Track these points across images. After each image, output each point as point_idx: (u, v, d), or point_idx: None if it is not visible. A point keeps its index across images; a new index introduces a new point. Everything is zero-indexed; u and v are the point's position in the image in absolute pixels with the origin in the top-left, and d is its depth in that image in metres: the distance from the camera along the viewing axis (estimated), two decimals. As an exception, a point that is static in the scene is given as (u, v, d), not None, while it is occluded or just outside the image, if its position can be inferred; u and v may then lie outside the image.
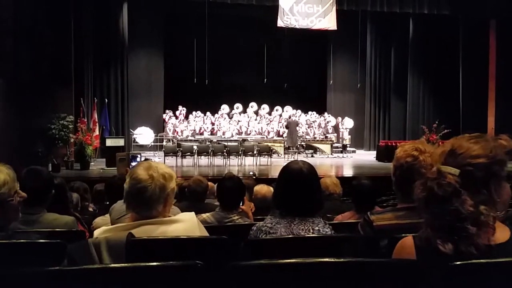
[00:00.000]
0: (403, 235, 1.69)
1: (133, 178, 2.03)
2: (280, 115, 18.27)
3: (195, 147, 13.57)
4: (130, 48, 16.32)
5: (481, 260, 1.34)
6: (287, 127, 15.89)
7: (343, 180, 4.82)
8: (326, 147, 16.22)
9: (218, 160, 13.50)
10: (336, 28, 14.91)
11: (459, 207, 1.36)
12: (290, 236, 2.14)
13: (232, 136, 16.69)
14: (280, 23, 14.52)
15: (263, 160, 13.81)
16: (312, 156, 15.94)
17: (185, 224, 2.08)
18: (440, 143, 13.60)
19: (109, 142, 13.07)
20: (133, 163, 10.72)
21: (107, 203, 4.68)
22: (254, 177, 7.62)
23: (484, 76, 16.01)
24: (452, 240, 1.37)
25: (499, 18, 15.37)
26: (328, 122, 17.81)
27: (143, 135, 16.46)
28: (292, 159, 10.29)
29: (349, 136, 17.81)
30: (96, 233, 2.02)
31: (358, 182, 3.79)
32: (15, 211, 2.04)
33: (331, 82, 19.06)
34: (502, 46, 15.45)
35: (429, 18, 15.79)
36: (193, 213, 2.20)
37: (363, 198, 3.64)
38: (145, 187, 2.00)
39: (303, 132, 16.94)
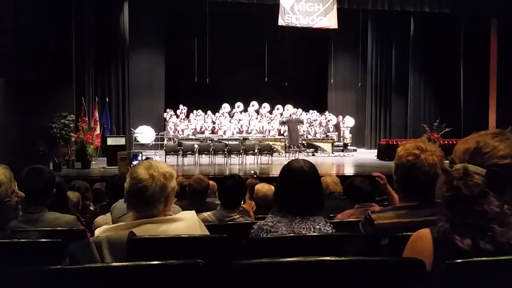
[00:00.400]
0: (404, 233, 1.69)
1: (134, 178, 2.03)
2: (281, 114, 18.25)
3: (196, 146, 13.56)
4: (131, 47, 16.30)
5: (490, 258, 1.34)
6: (283, 123, 15.89)
7: (344, 179, 4.82)
8: (327, 146, 16.20)
9: (219, 159, 13.50)
10: (337, 27, 14.89)
11: (487, 208, 1.35)
12: (291, 234, 2.14)
13: (233, 134, 16.69)
14: (281, 22, 14.51)
15: (264, 159, 13.81)
16: (313, 155, 15.93)
17: (186, 222, 2.08)
18: (441, 141, 13.62)
19: (110, 141, 13.06)
20: (134, 162, 10.74)
21: (106, 202, 4.69)
22: (255, 176, 7.62)
23: (485, 75, 15.99)
24: (472, 236, 1.36)
25: (500, 17, 15.34)
26: (329, 120, 17.79)
27: (144, 134, 16.46)
28: (293, 158, 10.30)
29: (350, 135, 17.80)
30: (97, 232, 2.02)
31: (351, 181, 3.83)
32: (14, 210, 2.04)
33: (332, 80, 19.04)
34: (503, 44, 15.42)
35: (430, 17, 15.77)
36: (193, 211, 2.20)
37: (358, 197, 3.67)
38: (145, 186, 2.00)
39: (303, 131, 16.94)
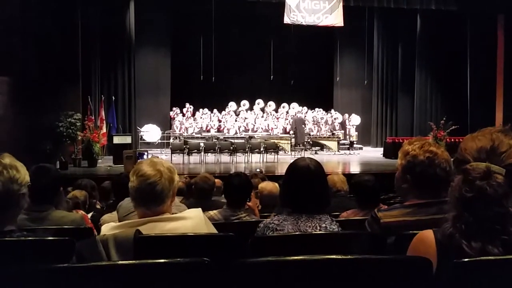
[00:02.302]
0: (410, 232, 1.69)
1: (141, 176, 2.04)
2: (287, 112, 18.24)
3: (201, 144, 13.57)
4: (137, 46, 16.34)
5: (498, 257, 1.32)
6: (295, 132, 15.77)
7: (350, 177, 4.81)
8: (333, 144, 16.17)
9: (225, 157, 13.51)
10: (342, 25, 14.86)
11: (510, 209, 1.32)
12: (297, 233, 2.14)
13: (236, 133, 16.69)
14: (286, 20, 14.49)
15: (270, 157, 13.80)
16: (316, 153, 15.87)
17: (192, 221, 2.09)
18: (448, 140, 13.55)
19: (116, 140, 13.11)
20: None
21: (112, 200, 4.70)
22: (261, 173, 7.63)
23: (492, 72, 15.90)
24: (482, 239, 1.33)
25: (507, 13, 15.24)
26: (335, 119, 17.76)
27: (150, 132, 16.49)
28: (299, 156, 10.30)
29: (356, 133, 17.75)
30: (104, 230, 2.03)
31: (359, 179, 3.76)
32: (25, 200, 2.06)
33: (338, 78, 18.97)
34: (510, 41, 15.32)
35: (436, 14, 15.69)
36: (200, 209, 2.21)
37: (365, 195, 3.62)
38: (155, 182, 2.03)
39: (309, 129, 16.92)
